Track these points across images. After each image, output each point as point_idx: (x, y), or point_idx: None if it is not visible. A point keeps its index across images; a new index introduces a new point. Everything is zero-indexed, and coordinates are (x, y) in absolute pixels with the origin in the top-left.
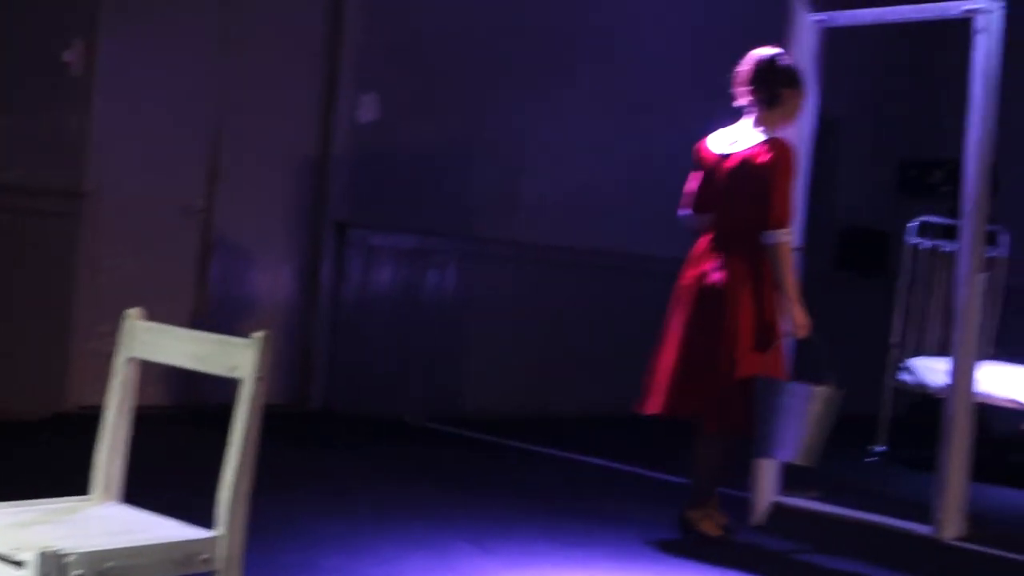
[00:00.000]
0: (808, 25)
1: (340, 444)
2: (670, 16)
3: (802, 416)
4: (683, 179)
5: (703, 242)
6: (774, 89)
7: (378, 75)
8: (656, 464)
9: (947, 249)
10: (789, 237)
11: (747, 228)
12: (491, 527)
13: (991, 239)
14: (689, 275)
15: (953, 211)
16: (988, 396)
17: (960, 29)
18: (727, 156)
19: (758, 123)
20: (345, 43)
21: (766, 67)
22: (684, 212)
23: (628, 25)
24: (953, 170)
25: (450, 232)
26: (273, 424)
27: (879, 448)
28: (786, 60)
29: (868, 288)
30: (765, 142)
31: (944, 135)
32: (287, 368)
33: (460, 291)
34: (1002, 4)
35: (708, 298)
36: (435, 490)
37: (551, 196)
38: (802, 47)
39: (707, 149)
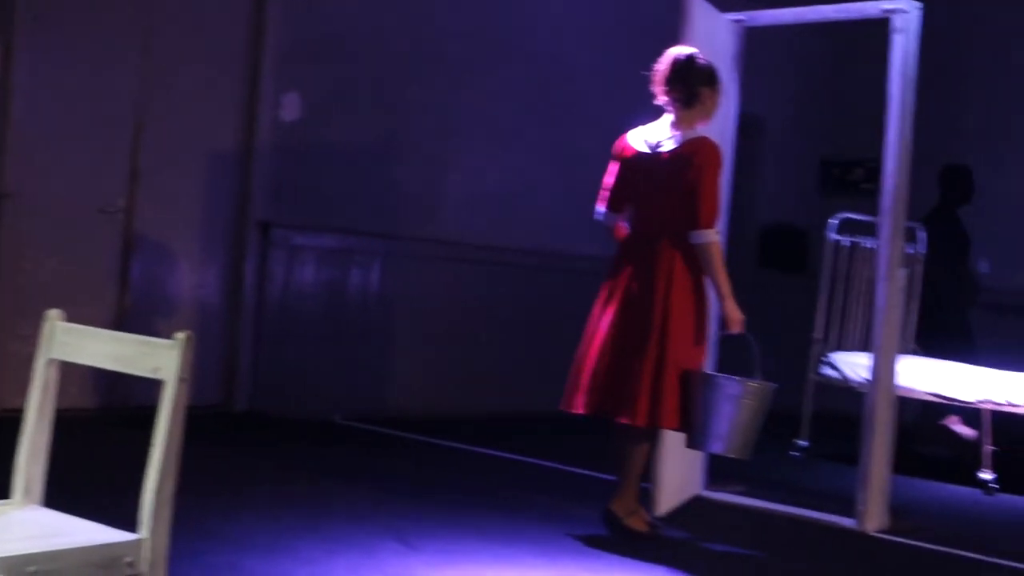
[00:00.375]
0: (727, 25)
1: (265, 445)
2: (595, 13)
3: (735, 409)
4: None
5: (627, 241)
6: (692, 88)
7: (301, 74)
8: (583, 460)
9: (867, 246)
10: (718, 236)
11: (673, 227)
12: (418, 525)
13: (910, 236)
14: (616, 274)
15: (873, 208)
16: (909, 390)
17: (880, 29)
18: (650, 154)
19: (676, 122)
20: (267, 42)
21: (684, 66)
22: (600, 208)
23: (552, 23)
24: (873, 168)
25: (374, 231)
26: (197, 426)
27: (802, 442)
28: (704, 59)
29: (790, 285)
30: (692, 141)
31: (864, 134)
32: (211, 369)
33: (385, 290)
34: (919, 5)
35: (638, 297)
36: (362, 490)
37: (476, 194)
38: (722, 47)
39: (628, 145)
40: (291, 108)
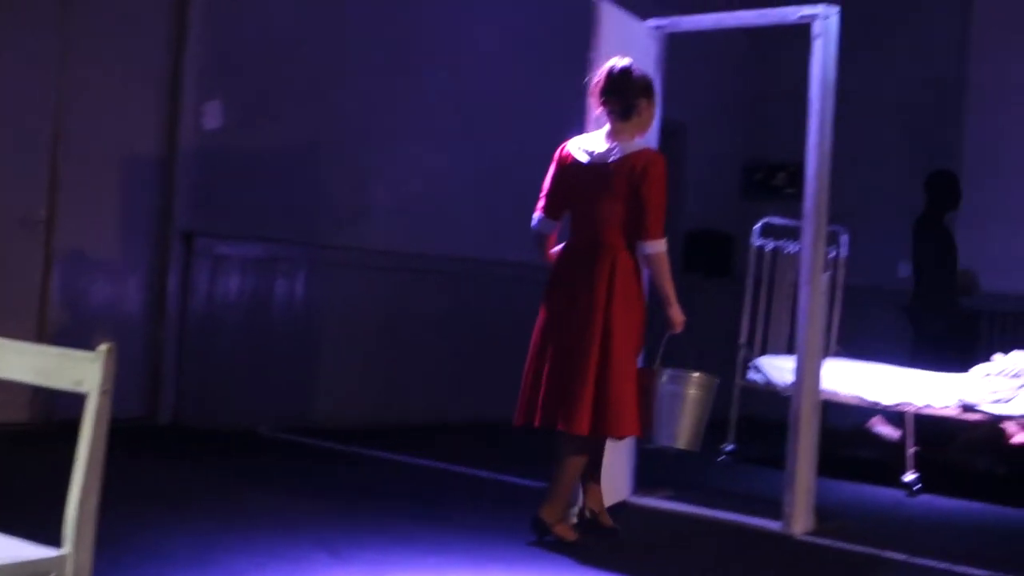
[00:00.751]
0: (648, 31)
1: (191, 458)
2: (515, 21)
3: (680, 402)
4: (533, 183)
5: (566, 249)
6: (629, 100)
7: (222, 81)
8: (510, 468)
9: (790, 250)
10: (666, 246)
11: (615, 236)
12: (346, 536)
13: (832, 239)
14: (557, 283)
15: (796, 212)
16: (833, 393)
17: (800, 34)
18: (592, 164)
19: (613, 133)
20: (188, 49)
21: (620, 78)
22: (538, 215)
23: (474, 29)
24: (795, 173)
25: (298, 240)
26: (122, 439)
27: (729, 447)
28: (640, 70)
29: (715, 289)
30: (639, 153)
31: (786, 138)
32: (135, 381)
33: (310, 299)
34: (838, 10)
35: (579, 304)
36: (290, 501)
37: (401, 202)
38: (643, 53)
39: (569, 154)
40: (213, 116)
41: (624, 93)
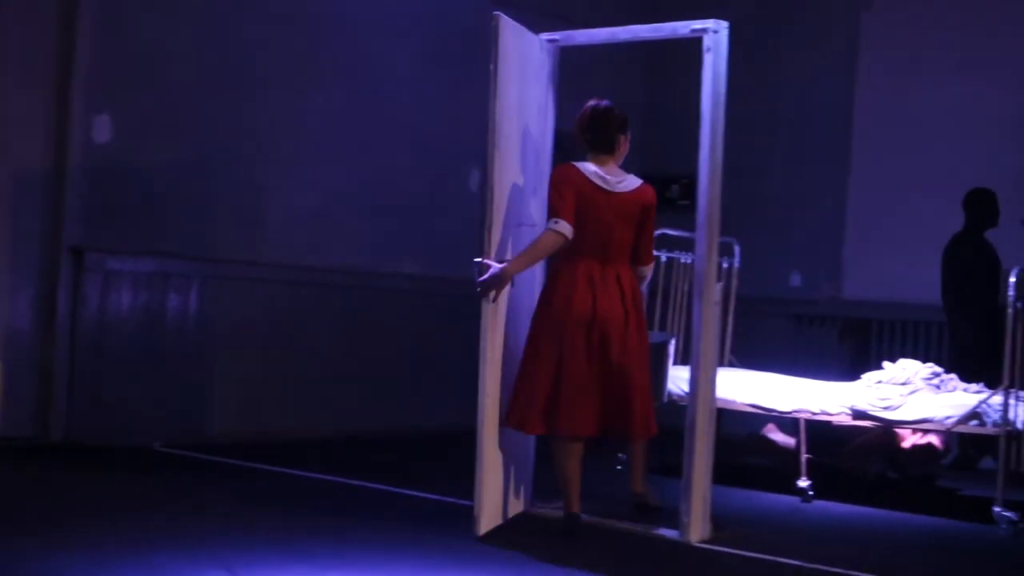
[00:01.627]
0: (541, 44)
1: (83, 475)
2: (411, 33)
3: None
4: (427, 197)
5: (581, 265)
6: (612, 136)
7: (112, 94)
8: (407, 482)
9: (685, 261)
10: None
11: (624, 255)
12: (243, 552)
13: (726, 250)
14: (581, 302)
15: (690, 224)
16: (729, 402)
17: (693, 48)
18: (608, 191)
19: (600, 164)
20: (77, 61)
21: (604, 115)
22: (568, 227)
23: (365, 42)
24: (688, 185)
25: (191, 254)
26: (12, 457)
27: (626, 456)
28: (618, 109)
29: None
30: (645, 187)
31: (679, 151)
32: (25, 399)
33: (204, 313)
34: (727, 24)
35: (616, 321)
36: (185, 518)
37: (295, 215)
38: (537, 65)
39: (584, 178)
40: (103, 129)
41: (607, 128)
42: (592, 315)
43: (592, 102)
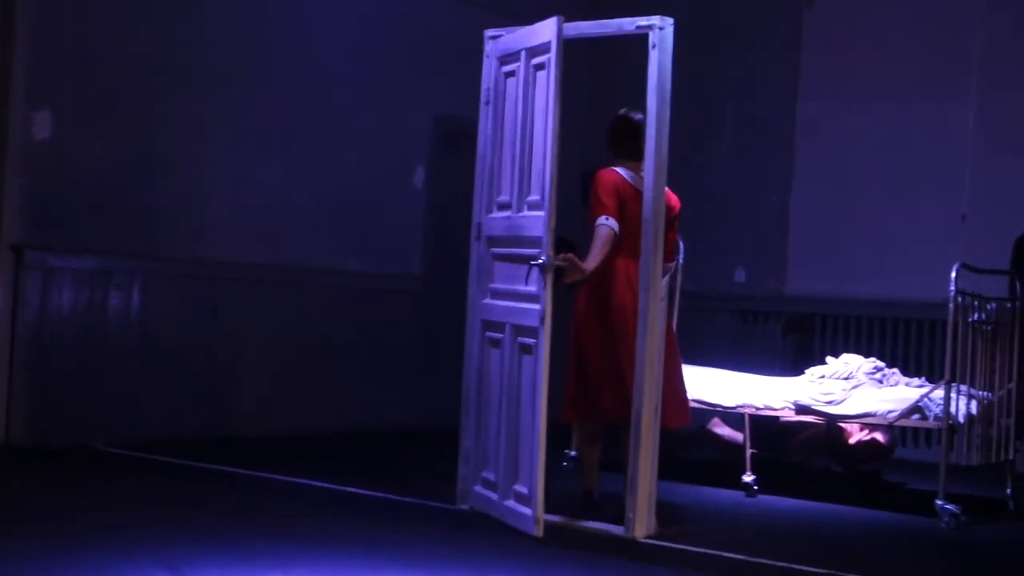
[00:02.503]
0: (486, 40)
1: (22, 476)
2: (353, 31)
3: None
4: (374, 194)
5: (620, 266)
6: (640, 143)
7: (53, 91)
8: (350, 479)
9: None
10: None
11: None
12: (185, 551)
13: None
14: (624, 297)
15: None
16: None
17: (639, 44)
18: (643, 195)
19: (631, 171)
20: (16, 58)
21: (637, 125)
22: (616, 224)
23: (310, 40)
24: None
25: (133, 252)
26: None
27: (573, 452)
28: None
29: (557, 297)
30: (671, 193)
31: None
32: None
33: (147, 312)
34: (672, 21)
35: (633, 315)
36: (127, 518)
37: (238, 212)
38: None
39: (626, 182)
40: (43, 126)
41: (638, 138)
42: (634, 309)
43: (623, 111)
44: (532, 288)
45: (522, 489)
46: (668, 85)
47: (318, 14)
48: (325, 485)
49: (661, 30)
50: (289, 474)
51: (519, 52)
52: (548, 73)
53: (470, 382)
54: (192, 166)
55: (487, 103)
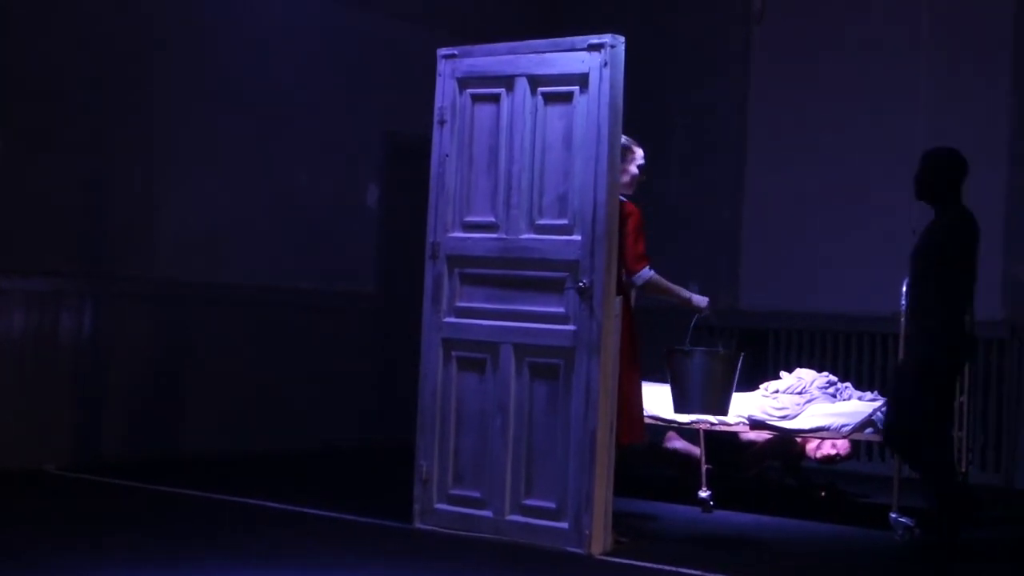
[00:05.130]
0: (438, 61)
1: None
2: (310, 49)
3: (707, 375)
4: (325, 211)
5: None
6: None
7: (1, 112)
8: (302, 500)
9: None
10: None
11: None
12: (128, 573)
13: None
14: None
15: None
16: None
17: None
18: None
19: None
20: None
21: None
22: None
23: (266, 58)
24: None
25: (84, 272)
26: None
27: None
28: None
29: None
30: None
31: None
32: None
33: (98, 333)
34: (623, 39)
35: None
36: (79, 541)
37: (191, 231)
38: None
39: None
40: None
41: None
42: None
43: (627, 139)
44: (559, 309)
45: (547, 504)
46: (620, 102)
47: (268, 32)
48: (280, 506)
49: (612, 48)
50: (243, 495)
51: (510, 78)
52: (583, 104)
53: (427, 402)
54: (143, 185)
55: (442, 122)
